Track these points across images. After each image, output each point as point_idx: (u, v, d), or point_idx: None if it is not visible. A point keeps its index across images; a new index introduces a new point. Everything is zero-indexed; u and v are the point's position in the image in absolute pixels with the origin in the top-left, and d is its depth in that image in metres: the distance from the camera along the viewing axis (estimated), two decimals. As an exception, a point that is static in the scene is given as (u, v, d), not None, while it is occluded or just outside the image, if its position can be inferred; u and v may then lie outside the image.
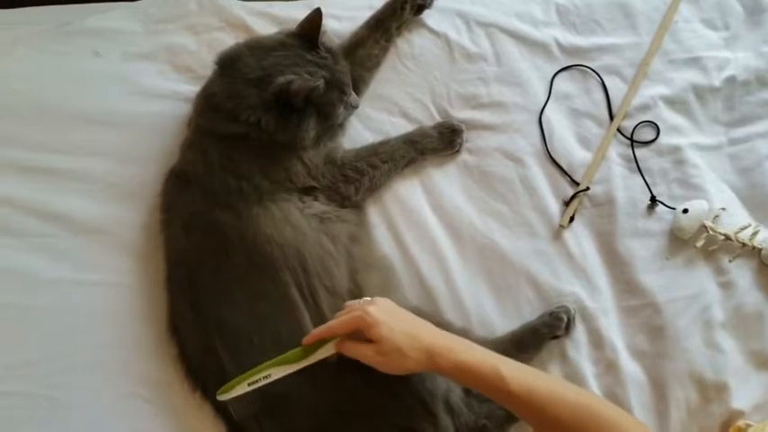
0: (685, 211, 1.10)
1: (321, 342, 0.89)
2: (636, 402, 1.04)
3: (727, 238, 1.09)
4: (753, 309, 1.07)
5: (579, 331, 1.07)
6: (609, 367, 1.05)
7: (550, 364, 1.06)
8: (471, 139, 1.17)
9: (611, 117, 1.19)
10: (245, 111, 1.01)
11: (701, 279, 1.09)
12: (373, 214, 1.13)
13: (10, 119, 1.17)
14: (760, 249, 1.08)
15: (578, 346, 1.06)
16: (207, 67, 1.10)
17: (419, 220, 1.13)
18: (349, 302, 0.92)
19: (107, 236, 1.11)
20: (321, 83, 1.01)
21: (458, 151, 1.16)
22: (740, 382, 1.04)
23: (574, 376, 1.05)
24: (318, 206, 1.06)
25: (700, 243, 1.09)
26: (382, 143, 1.14)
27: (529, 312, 1.08)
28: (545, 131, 1.18)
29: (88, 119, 1.17)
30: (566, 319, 1.05)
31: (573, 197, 1.13)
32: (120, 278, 1.09)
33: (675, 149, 1.16)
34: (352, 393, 0.95)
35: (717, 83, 1.19)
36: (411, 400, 0.96)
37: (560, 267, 1.11)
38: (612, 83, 1.21)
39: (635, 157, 1.16)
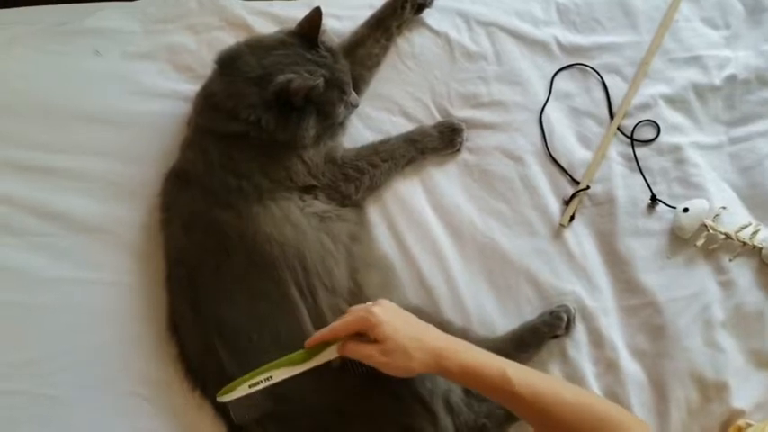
0: (686, 210, 1.10)
1: (324, 344, 0.89)
2: (636, 402, 1.04)
3: (728, 237, 1.09)
4: (753, 308, 1.07)
5: (579, 330, 1.07)
6: (609, 367, 1.05)
7: (550, 364, 1.06)
8: (471, 138, 1.17)
9: (612, 116, 1.19)
10: (245, 109, 1.01)
11: (702, 278, 1.09)
12: (373, 213, 1.13)
13: (10, 118, 1.17)
14: (760, 248, 1.08)
15: (578, 345, 1.06)
16: (207, 67, 1.10)
17: (419, 219, 1.13)
18: (352, 307, 0.91)
19: (107, 235, 1.11)
20: (321, 82, 1.01)
21: (458, 150, 1.16)
22: (740, 381, 1.04)
23: (574, 376, 1.05)
24: (319, 205, 1.06)
25: (700, 242, 1.09)
26: (382, 142, 1.14)
27: (529, 311, 1.08)
28: (545, 130, 1.17)
29: (88, 118, 1.17)
30: (566, 318, 1.05)
31: (573, 196, 1.13)
32: (119, 277, 1.09)
33: (676, 148, 1.16)
34: (353, 393, 0.95)
35: (717, 82, 1.19)
36: (411, 400, 0.96)
37: (560, 266, 1.11)
38: (613, 82, 1.20)
39: (635, 156, 1.16)
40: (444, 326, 0.96)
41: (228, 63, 1.05)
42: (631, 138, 1.17)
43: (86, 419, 1.02)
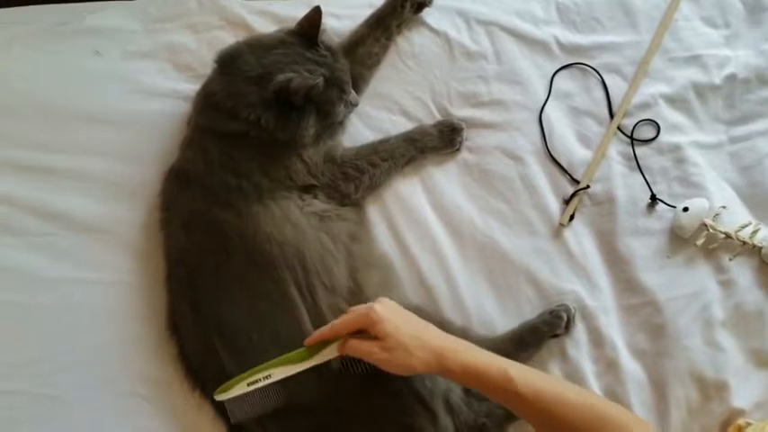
0: (686, 209, 1.10)
1: (324, 343, 0.89)
2: (636, 401, 1.04)
3: (728, 236, 1.08)
4: (753, 307, 1.07)
5: (579, 330, 1.07)
6: (609, 366, 1.05)
7: (550, 363, 1.06)
8: (471, 138, 1.17)
9: (612, 115, 1.19)
10: (245, 109, 1.01)
11: (702, 277, 1.09)
12: (373, 213, 1.13)
13: (9, 118, 1.17)
14: (760, 248, 1.08)
15: (578, 344, 1.06)
16: (207, 66, 1.10)
17: (419, 218, 1.13)
18: (352, 307, 0.91)
19: (107, 234, 1.11)
20: (320, 81, 1.01)
21: (458, 150, 1.16)
22: (740, 380, 1.04)
23: (574, 375, 1.05)
24: (318, 204, 1.06)
25: (700, 241, 1.09)
26: (382, 141, 1.14)
27: (529, 311, 1.08)
28: (545, 130, 1.17)
29: (88, 117, 1.17)
30: (566, 317, 1.05)
31: (573, 195, 1.13)
32: (120, 277, 1.09)
33: (676, 148, 1.15)
34: (353, 393, 0.95)
35: (717, 81, 1.19)
36: (411, 399, 0.96)
37: (560, 266, 1.11)
38: (613, 81, 1.20)
39: (635, 155, 1.16)
40: (444, 325, 0.96)
41: (228, 62, 1.05)
42: (631, 137, 1.17)
43: (86, 419, 1.02)
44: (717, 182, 1.14)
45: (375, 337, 0.85)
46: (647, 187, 1.14)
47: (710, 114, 1.18)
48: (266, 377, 0.87)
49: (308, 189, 1.06)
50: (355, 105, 1.13)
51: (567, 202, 1.14)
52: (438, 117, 1.18)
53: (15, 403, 1.02)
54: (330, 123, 1.09)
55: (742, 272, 1.09)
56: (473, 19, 1.24)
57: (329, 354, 0.89)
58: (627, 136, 1.17)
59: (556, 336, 1.06)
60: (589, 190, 1.14)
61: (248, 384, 0.87)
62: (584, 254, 1.11)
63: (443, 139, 1.15)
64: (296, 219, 1.02)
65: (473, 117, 1.18)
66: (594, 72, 1.21)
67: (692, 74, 1.20)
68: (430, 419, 0.96)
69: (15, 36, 1.23)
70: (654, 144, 1.16)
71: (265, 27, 1.21)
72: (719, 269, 1.09)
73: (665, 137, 1.16)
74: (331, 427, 0.97)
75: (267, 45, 1.05)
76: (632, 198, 1.13)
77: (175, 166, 1.08)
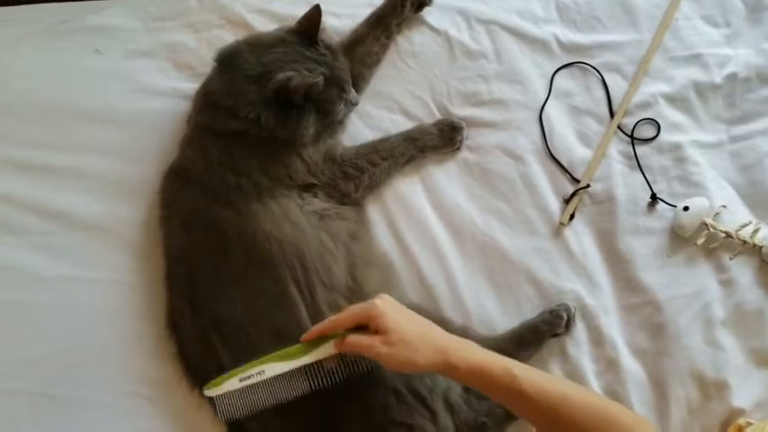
0: (686, 208, 1.10)
1: (321, 339, 0.87)
2: (636, 400, 1.03)
3: (728, 235, 1.08)
4: (753, 306, 1.07)
5: (579, 329, 1.07)
6: (609, 365, 1.05)
7: (551, 362, 1.06)
8: (471, 137, 1.17)
9: (612, 114, 1.18)
10: (245, 107, 1.01)
11: (702, 277, 1.09)
12: (373, 212, 1.13)
13: (9, 116, 1.17)
14: (761, 247, 1.08)
15: (578, 343, 1.06)
16: (207, 65, 1.10)
17: (419, 217, 1.13)
18: (351, 306, 0.88)
19: (107, 233, 1.10)
20: (320, 79, 1.01)
21: (458, 149, 1.16)
22: (741, 380, 1.03)
23: (574, 374, 1.05)
24: (318, 203, 1.05)
25: (700, 241, 1.09)
26: (382, 140, 1.14)
27: (529, 310, 1.08)
28: (545, 129, 1.17)
29: (88, 116, 1.17)
30: (566, 316, 1.05)
31: (573, 195, 1.13)
32: (119, 276, 1.09)
33: (676, 147, 1.15)
34: (353, 392, 0.95)
35: (718, 80, 1.19)
36: (411, 398, 0.96)
37: (561, 265, 1.10)
38: (613, 80, 1.20)
39: (635, 154, 1.16)
40: (444, 324, 0.95)
41: (228, 61, 1.05)
42: (632, 136, 1.17)
43: (86, 419, 1.02)
44: (717, 181, 1.14)
45: (376, 332, 0.83)
46: (648, 186, 1.14)
47: (711, 113, 1.18)
48: (259, 373, 0.84)
49: (307, 188, 1.06)
50: (355, 104, 1.13)
51: (567, 201, 1.14)
52: (438, 116, 1.18)
53: (15, 403, 1.02)
54: (330, 122, 1.09)
55: (742, 271, 1.09)
56: (473, 18, 1.24)
57: (326, 350, 0.86)
58: (627, 135, 1.17)
59: (556, 335, 1.06)
60: (589, 189, 1.14)
61: (240, 380, 0.84)
62: (584, 253, 1.11)
63: (443, 138, 1.15)
64: (295, 217, 1.02)
65: (473, 116, 1.18)
66: (595, 71, 1.21)
67: (693, 73, 1.20)
68: (430, 419, 0.96)
69: (22, 34, 1.23)
70: (654, 143, 1.16)
71: (265, 26, 1.21)
72: (720, 268, 1.09)
73: (665, 136, 1.16)
74: (331, 427, 0.96)
75: (267, 44, 1.05)
76: (632, 197, 1.13)
77: (175, 164, 1.08)
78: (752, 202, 1.13)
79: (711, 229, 1.08)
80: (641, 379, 1.05)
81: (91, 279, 1.09)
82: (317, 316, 0.97)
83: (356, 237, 1.06)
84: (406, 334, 0.82)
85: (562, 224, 1.12)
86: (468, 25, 1.24)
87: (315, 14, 1.05)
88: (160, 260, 1.07)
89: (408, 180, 1.15)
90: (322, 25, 1.06)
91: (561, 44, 1.23)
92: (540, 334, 1.05)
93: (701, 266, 1.09)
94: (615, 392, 1.04)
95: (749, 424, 0.99)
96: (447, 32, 1.23)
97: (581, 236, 1.12)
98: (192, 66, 1.21)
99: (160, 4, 1.27)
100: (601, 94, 1.20)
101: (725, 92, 1.19)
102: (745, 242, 1.08)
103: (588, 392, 0.90)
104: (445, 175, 1.15)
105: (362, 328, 0.85)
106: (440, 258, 1.10)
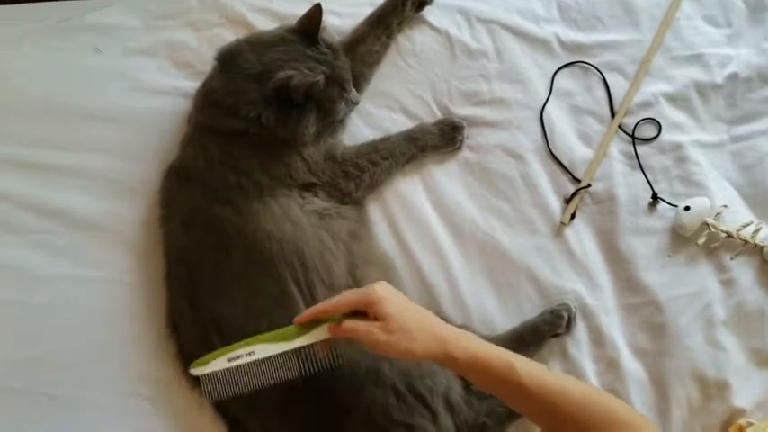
0: (687, 208, 1.09)
1: (315, 323, 0.82)
2: (637, 400, 1.04)
3: (729, 235, 1.08)
4: (754, 306, 1.07)
5: (580, 329, 1.07)
6: (610, 365, 1.05)
7: (551, 362, 1.06)
8: (472, 136, 1.17)
9: (613, 114, 1.18)
10: (246, 106, 1.01)
11: (703, 277, 1.09)
12: (374, 211, 1.13)
13: (9, 115, 1.17)
14: (762, 247, 1.08)
15: (579, 343, 1.06)
16: (207, 63, 1.10)
17: (420, 217, 1.12)
18: (347, 291, 0.83)
19: (107, 232, 1.10)
20: (321, 78, 1.01)
21: (459, 148, 1.16)
22: (742, 380, 1.03)
23: (575, 374, 1.04)
24: (318, 202, 1.05)
25: (701, 240, 1.09)
26: (383, 140, 1.13)
27: (530, 310, 1.08)
28: (546, 128, 1.17)
29: (88, 115, 1.17)
30: (566, 316, 1.05)
31: (574, 194, 1.13)
32: (119, 275, 1.09)
33: (677, 147, 1.15)
34: (353, 391, 0.95)
35: (719, 80, 1.19)
36: (411, 398, 0.96)
37: (561, 265, 1.10)
38: (614, 80, 1.20)
39: (636, 154, 1.16)
40: (444, 323, 0.96)
41: (228, 60, 1.05)
42: (632, 136, 1.17)
43: (86, 419, 1.02)
44: (718, 181, 1.14)
45: (374, 319, 0.79)
46: (649, 186, 1.13)
47: (712, 113, 1.18)
48: (249, 354, 0.80)
49: (308, 187, 1.06)
50: (356, 103, 1.13)
51: (568, 200, 1.13)
52: (439, 115, 1.18)
53: (15, 402, 1.02)
54: (331, 121, 1.09)
55: (743, 271, 1.09)
56: (474, 17, 1.24)
57: (319, 334, 0.81)
58: (628, 135, 1.17)
59: (557, 335, 1.06)
60: (590, 189, 1.14)
61: (228, 360, 0.81)
62: (585, 253, 1.11)
63: (444, 137, 1.15)
64: (296, 217, 1.02)
65: (474, 115, 1.18)
66: (596, 71, 1.21)
67: (694, 73, 1.20)
68: (430, 418, 0.96)
69: (24, 33, 1.23)
70: (655, 143, 1.16)
71: (265, 25, 1.21)
72: (721, 268, 1.09)
73: (666, 136, 1.16)
74: (332, 425, 0.96)
75: (267, 42, 1.05)
76: (633, 197, 1.13)
77: (175, 163, 1.08)
78: (753, 202, 1.13)
79: (712, 229, 1.08)
80: (642, 379, 1.05)
81: (91, 278, 1.08)
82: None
83: (357, 236, 1.06)
84: (406, 321, 0.78)
85: (563, 224, 1.12)
86: (468, 24, 1.24)
87: (316, 13, 1.05)
88: (160, 260, 1.06)
89: (409, 179, 1.15)
90: (323, 24, 1.06)
91: (562, 44, 1.23)
92: (541, 334, 1.05)
93: (702, 266, 1.09)
94: (616, 392, 1.04)
95: (750, 424, 0.99)
96: (448, 32, 1.23)
97: (582, 235, 1.12)
98: (192, 64, 1.21)
99: (160, 2, 1.26)
100: (602, 93, 1.20)
101: (726, 92, 1.19)
102: (746, 242, 1.08)
103: (588, 387, 0.89)
104: (446, 175, 1.15)
105: (359, 315, 0.81)
106: (440, 258, 1.10)
